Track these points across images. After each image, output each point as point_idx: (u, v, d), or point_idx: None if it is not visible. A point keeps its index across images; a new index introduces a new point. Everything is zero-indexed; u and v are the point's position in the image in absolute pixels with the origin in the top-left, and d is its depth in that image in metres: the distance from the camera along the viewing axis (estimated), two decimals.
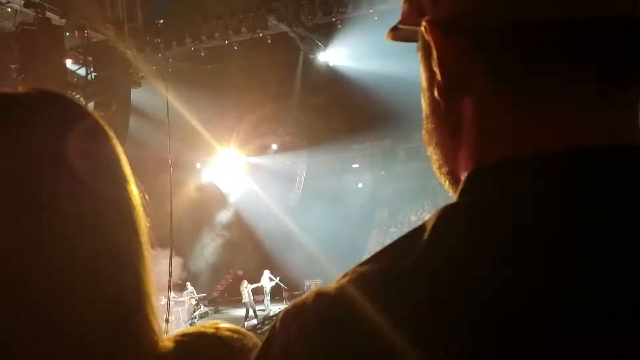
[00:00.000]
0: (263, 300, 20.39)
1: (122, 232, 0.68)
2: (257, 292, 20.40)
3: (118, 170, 0.71)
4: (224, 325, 0.80)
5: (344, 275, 0.46)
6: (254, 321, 18.14)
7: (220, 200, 28.42)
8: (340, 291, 0.44)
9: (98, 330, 0.63)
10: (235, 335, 0.77)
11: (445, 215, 0.45)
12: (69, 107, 0.72)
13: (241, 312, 19.76)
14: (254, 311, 19.19)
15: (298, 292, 21.42)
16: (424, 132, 0.55)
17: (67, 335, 0.61)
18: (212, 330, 0.77)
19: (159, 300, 0.75)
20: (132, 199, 0.71)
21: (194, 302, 19.56)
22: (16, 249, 0.60)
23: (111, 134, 0.74)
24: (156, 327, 0.70)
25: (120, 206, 0.69)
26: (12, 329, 0.59)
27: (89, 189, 0.66)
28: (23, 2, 18.04)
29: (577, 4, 0.43)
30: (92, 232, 0.65)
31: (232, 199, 28.56)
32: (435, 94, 0.50)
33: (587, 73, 0.45)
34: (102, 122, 0.74)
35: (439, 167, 0.54)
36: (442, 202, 0.48)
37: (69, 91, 15.03)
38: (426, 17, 0.49)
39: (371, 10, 23.24)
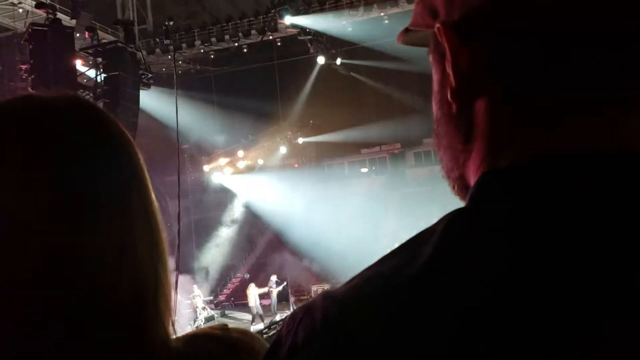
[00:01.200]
0: (269, 305, 20.37)
1: (147, 237, 0.71)
2: (264, 296, 20.37)
3: (143, 180, 0.73)
4: (233, 327, 0.80)
5: (352, 279, 0.46)
6: (261, 325, 18.13)
7: (228, 203, 28.43)
8: (347, 295, 0.44)
9: (117, 320, 0.66)
10: (244, 337, 0.78)
11: (454, 220, 0.45)
12: (99, 115, 0.73)
13: (247, 316, 19.71)
14: (260, 315, 19.17)
15: (305, 297, 21.38)
16: (433, 135, 0.55)
17: (90, 319, 0.64)
18: (220, 332, 0.78)
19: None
20: (155, 208, 0.74)
21: (200, 304, 19.54)
22: (59, 244, 0.64)
23: (134, 142, 0.75)
24: (168, 327, 0.72)
25: (147, 215, 0.72)
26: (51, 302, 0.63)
27: (119, 199, 0.69)
28: (34, 3, 18.17)
29: (598, 6, 0.43)
30: (121, 237, 0.67)
31: (239, 202, 28.57)
32: (448, 96, 0.49)
33: (605, 78, 0.44)
34: (127, 132, 0.75)
35: (448, 171, 0.54)
36: (451, 208, 0.47)
37: (78, 91, 15.14)
38: (440, 19, 0.49)
39: (382, 14, 23.24)
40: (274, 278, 20.89)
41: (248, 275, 24.32)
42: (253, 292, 19.35)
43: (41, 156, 0.66)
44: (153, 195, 0.74)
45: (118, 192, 0.69)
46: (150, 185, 0.74)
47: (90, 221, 0.65)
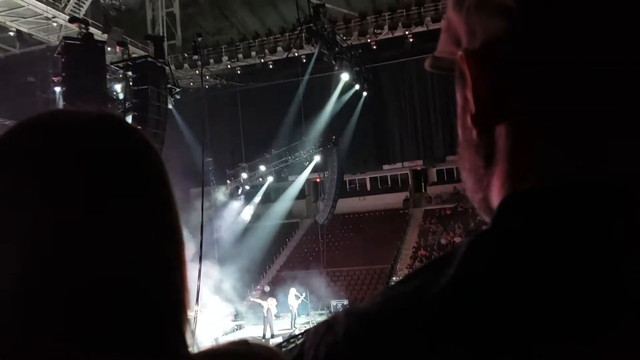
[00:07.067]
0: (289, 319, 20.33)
1: (170, 250, 0.71)
2: (283, 310, 20.36)
3: (173, 208, 0.72)
4: (254, 342, 0.79)
5: (374, 297, 0.46)
6: (280, 339, 18.02)
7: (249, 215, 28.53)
8: (371, 312, 0.44)
9: (137, 334, 0.65)
10: (265, 353, 0.77)
11: (477, 243, 0.45)
12: (133, 140, 0.72)
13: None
14: (271, 327, 18.99)
15: (324, 312, 21.32)
16: (458, 157, 0.56)
17: (109, 331, 0.63)
18: (242, 347, 0.77)
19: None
20: (181, 234, 0.73)
21: (221, 317, 19.48)
22: (86, 250, 0.63)
23: (164, 167, 0.74)
24: (188, 339, 0.71)
25: (172, 229, 0.72)
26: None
27: (147, 227, 0.68)
28: (68, 17, 18.70)
29: (617, 29, 0.43)
30: (146, 260, 0.68)
31: (257, 215, 28.63)
32: (468, 121, 0.51)
33: (624, 101, 0.44)
34: (159, 154, 0.74)
35: (472, 193, 0.55)
36: (473, 226, 0.49)
37: (108, 104, 15.30)
38: (462, 47, 0.51)
39: (407, 32, 23.29)
40: (293, 291, 20.84)
41: (268, 288, 24.32)
42: (269, 304, 19.35)
43: (64, 178, 0.64)
44: (180, 221, 0.73)
45: (146, 222, 0.68)
46: (178, 211, 0.73)
47: (116, 245, 0.64)
